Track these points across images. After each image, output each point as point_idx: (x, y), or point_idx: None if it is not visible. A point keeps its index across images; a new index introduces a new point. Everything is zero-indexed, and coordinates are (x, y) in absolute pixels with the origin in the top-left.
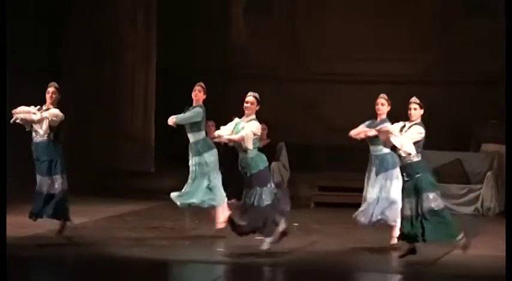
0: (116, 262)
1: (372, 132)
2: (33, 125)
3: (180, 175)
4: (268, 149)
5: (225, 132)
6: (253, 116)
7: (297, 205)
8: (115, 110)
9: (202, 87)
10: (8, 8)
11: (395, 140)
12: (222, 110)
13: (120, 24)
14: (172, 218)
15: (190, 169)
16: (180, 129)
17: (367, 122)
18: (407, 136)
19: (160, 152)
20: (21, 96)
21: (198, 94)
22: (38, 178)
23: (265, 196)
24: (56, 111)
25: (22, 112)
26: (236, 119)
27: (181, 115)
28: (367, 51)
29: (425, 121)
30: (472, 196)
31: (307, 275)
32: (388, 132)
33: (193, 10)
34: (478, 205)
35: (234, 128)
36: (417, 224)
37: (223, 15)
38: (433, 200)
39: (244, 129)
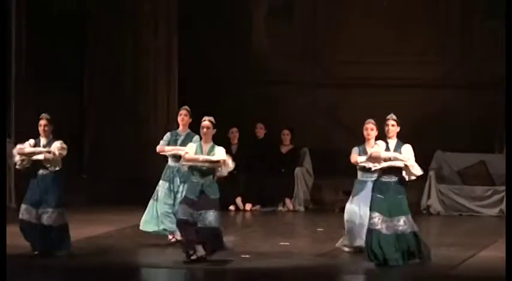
0: (142, 270)
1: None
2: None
3: None
4: (291, 155)
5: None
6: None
7: (321, 210)
8: (137, 120)
9: (188, 111)
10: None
11: (416, 170)
12: (245, 116)
13: (141, 34)
14: None
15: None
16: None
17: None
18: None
19: None
20: (44, 104)
21: (185, 118)
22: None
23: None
24: (59, 143)
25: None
26: (191, 144)
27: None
28: (387, 54)
29: (448, 124)
30: (496, 197)
31: (332, 279)
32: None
33: (213, 18)
34: (503, 206)
35: (196, 151)
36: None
37: (244, 22)
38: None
39: (220, 154)
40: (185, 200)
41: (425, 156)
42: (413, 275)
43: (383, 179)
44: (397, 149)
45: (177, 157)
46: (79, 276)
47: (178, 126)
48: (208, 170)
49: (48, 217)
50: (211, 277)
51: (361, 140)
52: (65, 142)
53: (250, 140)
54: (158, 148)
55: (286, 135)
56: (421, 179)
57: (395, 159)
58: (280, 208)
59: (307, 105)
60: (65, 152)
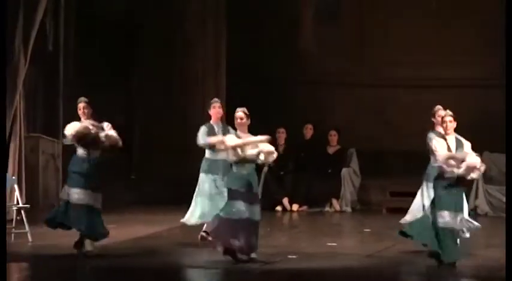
0: (188, 270)
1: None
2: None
3: None
4: (338, 155)
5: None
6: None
7: (368, 211)
8: (186, 120)
9: (222, 104)
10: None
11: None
12: (292, 117)
13: (190, 33)
14: None
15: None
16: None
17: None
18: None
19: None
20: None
21: (219, 111)
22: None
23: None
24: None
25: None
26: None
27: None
28: (434, 54)
29: (493, 124)
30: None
31: (380, 280)
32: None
33: (262, 18)
34: None
35: None
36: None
37: (292, 22)
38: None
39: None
40: (234, 195)
41: None
42: (468, 275)
43: (447, 176)
44: (459, 146)
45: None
46: (122, 276)
47: (210, 119)
48: (254, 161)
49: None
50: (258, 278)
51: (408, 141)
52: None
53: (298, 141)
54: (209, 141)
55: (333, 136)
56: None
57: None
58: (327, 208)
59: (354, 106)
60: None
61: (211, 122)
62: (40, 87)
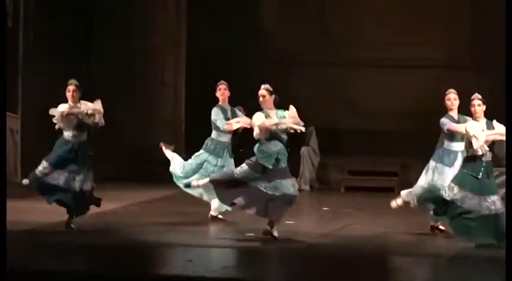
0: (146, 247)
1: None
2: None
3: None
4: (298, 134)
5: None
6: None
7: (327, 189)
8: (145, 97)
9: (227, 85)
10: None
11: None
12: (253, 96)
13: (150, 11)
14: (204, 203)
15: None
16: (209, 115)
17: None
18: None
19: (190, 138)
20: (52, 83)
21: (225, 92)
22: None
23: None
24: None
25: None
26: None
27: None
28: (395, 35)
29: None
30: (502, 178)
31: (339, 259)
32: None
33: None
34: None
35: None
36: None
37: (253, 2)
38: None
39: (291, 112)
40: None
41: (431, 136)
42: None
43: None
44: (489, 128)
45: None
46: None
47: (217, 101)
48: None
49: (80, 180)
50: (216, 255)
51: (368, 120)
52: None
53: None
54: (227, 127)
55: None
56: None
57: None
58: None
59: (314, 85)
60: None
61: (220, 103)
62: None
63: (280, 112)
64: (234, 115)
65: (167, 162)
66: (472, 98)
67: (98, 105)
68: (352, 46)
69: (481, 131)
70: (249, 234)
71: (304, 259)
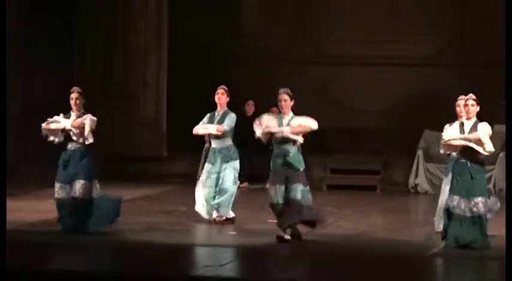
0: (128, 246)
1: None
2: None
3: (192, 159)
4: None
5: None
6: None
7: (309, 187)
8: (127, 96)
9: (226, 90)
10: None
11: (487, 146)
12: (233, 93)
13: (131, 9)
14: (185, 202)
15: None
16: (191, 114)
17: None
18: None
19: (172, 137)
20: (36, 82)
21: (222, 97)
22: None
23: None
24: (89, 116)
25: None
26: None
27: (229, 123)
28: (378, 33)
29: (435, 103)
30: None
31: (321, 256)
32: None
33: None
34: (491, 185)
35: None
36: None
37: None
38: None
39: (303, 122)
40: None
41: (414, 135)
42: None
43: (461, 160)
44: (473, 129)
45: (218, 137)
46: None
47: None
48: (285, 140)
49: (78, 189)
50: (202, 253)
51: (350, 118)
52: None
53: (240, 118)
54: (194, 130)
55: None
56: (410, 158)
57: (467, 139)
58: (268, 185)
59: (297, 83)
60: (94, 125)
61: (217, 109)
62: None
63: (292, 118)
64: (222, 121)
65: (147, 160)
66: (466, 97)
67: (85, 120)
68: (334, 44)
69: (452, 134)
70: (231, 232)
71: (287, 258)
